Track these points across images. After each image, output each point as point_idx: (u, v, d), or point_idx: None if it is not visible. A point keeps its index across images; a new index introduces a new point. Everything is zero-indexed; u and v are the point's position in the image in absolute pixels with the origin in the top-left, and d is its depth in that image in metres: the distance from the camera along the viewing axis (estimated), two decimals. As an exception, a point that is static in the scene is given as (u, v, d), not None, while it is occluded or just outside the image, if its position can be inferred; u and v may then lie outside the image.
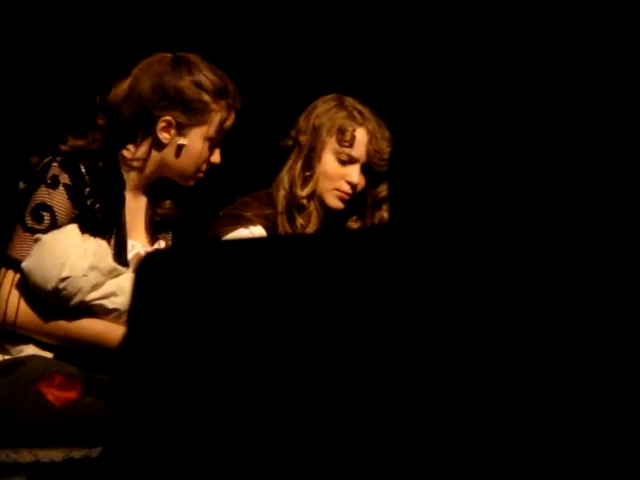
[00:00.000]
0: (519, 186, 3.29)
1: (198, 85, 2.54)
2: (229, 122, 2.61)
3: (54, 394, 2.32)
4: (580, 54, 3.27)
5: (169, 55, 2.59)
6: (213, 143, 2.60)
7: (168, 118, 2.54)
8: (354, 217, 3.00)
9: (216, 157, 2.62)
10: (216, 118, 2.57)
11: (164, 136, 2.56)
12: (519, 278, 1.28)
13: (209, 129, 2.57)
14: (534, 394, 1.26)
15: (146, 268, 1.44)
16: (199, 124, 2.56)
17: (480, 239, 1.32)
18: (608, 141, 3.19)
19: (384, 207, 3.00)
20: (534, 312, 1.28)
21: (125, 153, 2.59)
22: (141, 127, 2.56)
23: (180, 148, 2.57)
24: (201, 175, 2.63)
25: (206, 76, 2.56)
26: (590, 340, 1.27)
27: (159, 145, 2.57)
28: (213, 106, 2.56)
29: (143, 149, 2.58)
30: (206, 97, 2.55)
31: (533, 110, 3.38)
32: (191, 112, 2.55)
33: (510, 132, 3.39)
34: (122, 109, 2.54)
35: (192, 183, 2.64)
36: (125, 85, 2.55)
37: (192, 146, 2.57)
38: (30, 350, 2.45)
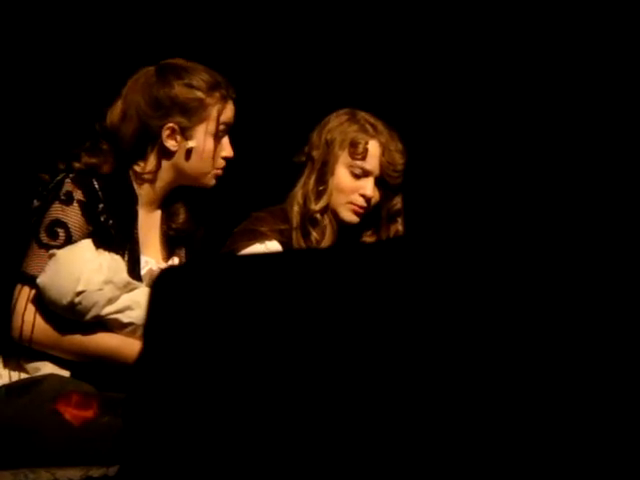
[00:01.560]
0: (533, 197, 3.28)
1: (189, 86, 2.57)
2: (228, 113, 2.62)
3: (71, 413, 2.32)
4: (581, 54, 3.27)
5: (151, 68, 2.61)
6: (219, 137, 2.61)
7: (171, 125, 2.56)
8: (369, 231, 2.99)
9: (228, 151, 2.63)
10: (214, 111, 2.58)
11: (171, 144, 2.57)
12: (533, 290, 1.28)
13: (210, 124, 2.58)
14: (545, 402, 1.26)
15: (161, 284, 1.44)
16: (200, 122, 2.58)
17: (495, 250, 1.31)
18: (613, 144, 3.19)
19: (399, 220, 2.99)
20: (548, 324, 1.27)
21: (136, 169, 2.60)
22: (146, 142, 2.58)
23: (189, 151, 2.59)
24: (219, 172, 2.64)
25: (194, 75, 2.58)
26: (594, 345, 1.27)
27: (168, 154, 2.59)
28: (208, 100, 2.58)
29: (153, 162, 2.59)
30: (199, 94, 2.57)
31: (546, 123, 3.38)
32: (190, 113, 2.56)
33: (524, 144, 3.39)
34: (123, 132, 2.56)
35: (213, 182, 2.65)
36: (118, 108, 2.58)
37: (200, 146, 2.59)
38: (47, 368, 2.46)
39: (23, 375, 2.46)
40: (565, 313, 1.28)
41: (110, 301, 2.44)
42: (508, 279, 1.29)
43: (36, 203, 2.51)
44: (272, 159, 3.23)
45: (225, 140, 2.63)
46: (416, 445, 1.27)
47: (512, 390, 1.26)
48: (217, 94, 2.59)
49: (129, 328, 2.47)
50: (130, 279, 2.48)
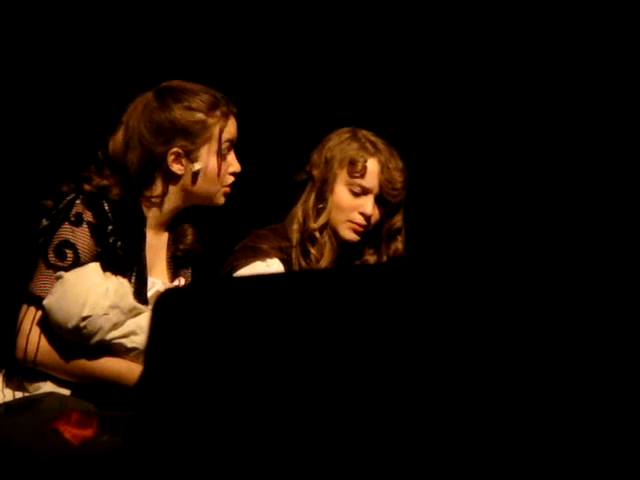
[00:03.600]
0: (536, 216, 3.29)
1: (189, 108, 2.55)
2: (231, 129, 2.61)
3: (71, 432, 2.32)
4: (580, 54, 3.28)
5: (150, 93, 2.60)
6: (223, 155, 2.60)
7: (175, 150, 2.55)
8: (370, 249, 2.99)
9: (235, 167, 2.63)
10: (216, 131, 2.58)
11: (178, 168, 2.57)
12: (535, 309, 1.29)
13: (214, 144, 2.58)
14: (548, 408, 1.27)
15: (163, 306, 1.45)
16: (204, 143, 2.57)
17: (496, 269, 1.32)
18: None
19: (399, 238, 2.99)
20: (551, 346, 1.28)
21: (145, 193, 2.59)
22: (152, 168, 2.57)
23: (196, 174, 2.58)
24: (227, 190, 2.64)
25: (193, 96, 2.57)
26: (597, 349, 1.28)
27: (175, 178, 2.58)
28: (210, 120, 2.57)
29: (160, 187, 2.59)
30: (200, 115, 2.56)
31: (546, 138, 3.38)
32: (193, 135, 2.55)
33: (525, 161, 3.39)
34: (128, 161, 2.55)
35: (223, 201, 2.65)
36: (119, 137, 2.56)
37: (206, 167, 2.58)
38: (47, 387, 2.45)
39: (25, 394, 2.45)
40: (570, 337, 1.28)
41: (115, 326, 2.43)
42: (510, 297, 1.30)
43: (45, 223, 2.49)
44: (274, 177, 3.24)
45: (231, 156, 2.63)
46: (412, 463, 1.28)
47: (512, 412, 1.27)
48: (218, 112, 2.58)
49: (133, 353, 2.46)
50: (136, 304, 2.47)
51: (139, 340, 2.45)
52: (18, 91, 3.26)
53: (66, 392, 2.46)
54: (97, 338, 2.43)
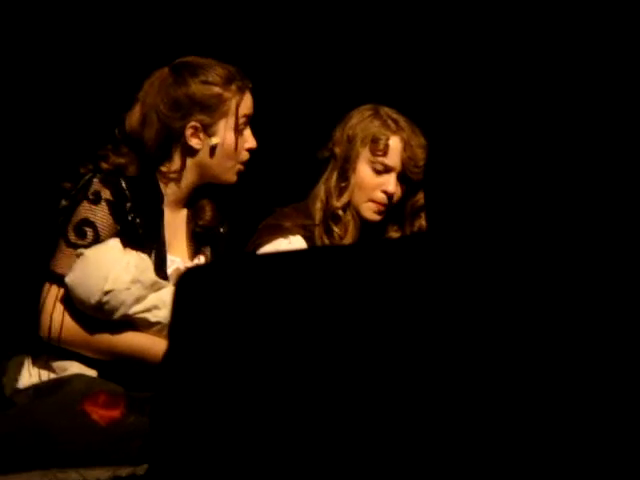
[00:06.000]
0: (555, 193, 3.28)
1: (205, 82, 2.57)
2: (247, 103, 2.63)
3: (98, 413, 2.33)
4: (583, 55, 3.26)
5: (165, 68, 2.62)
6: (240, 130, 2.62)
7: (193, 124, 2.57)
8: (393, 226, 2.99)
9: (251, 142, 2.64)
10: (232, 105, 2.59)
11: (195, 142, 2.58)
12: (553, 285, 1.28)
13: (231, 118, 2.59)
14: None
15: (185, 283, 1.45)
16: (221, 117, 2.59)
17: (517, 245, 1.31)
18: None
19: (422, 215, 2.98)
20: (572, 322, 1.28)
21: (162, 169, 2.61)
22: (170, 143, 2.59)
23: (214, 148, 2.59)
24: (241, 167, 2.65)
25: (209, 71, 2.59)
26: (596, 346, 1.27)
27: (192, 152, 2.60)
28: (226, 94, 2.58)
29: (178, 162, 2.60)
30: (216, 89, 2.58)
31: (565, 120, 3.37)
32: (210, 109, 2.57)
33: (544, 140, 3.38)
34: (145, 136, 2.56)
35: (235, 179, 2.65)
36: (137, 113, 2.58)
37: (224, 141, 2.60)
38: (74, 368, 2.47)
39: (51, 374, 2.47)
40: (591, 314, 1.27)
41: (138, 300, 2.44)
42: (529, 274, 1.29)
43: (64, 203, 2.52)
44: (297, 155, 3.24)
45: (247, 132, 2.64)
46: (418, 447, 1.27)
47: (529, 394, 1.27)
48: (233, 87, 2.59)
49: (156, 327, 2.47)
50: (157, 278, 2.48)
51: (162, 314, 2.46)
52: (36, 77, 3.27)
53: (93, 373, 2.47)
54: (120, 313, 2.44)
